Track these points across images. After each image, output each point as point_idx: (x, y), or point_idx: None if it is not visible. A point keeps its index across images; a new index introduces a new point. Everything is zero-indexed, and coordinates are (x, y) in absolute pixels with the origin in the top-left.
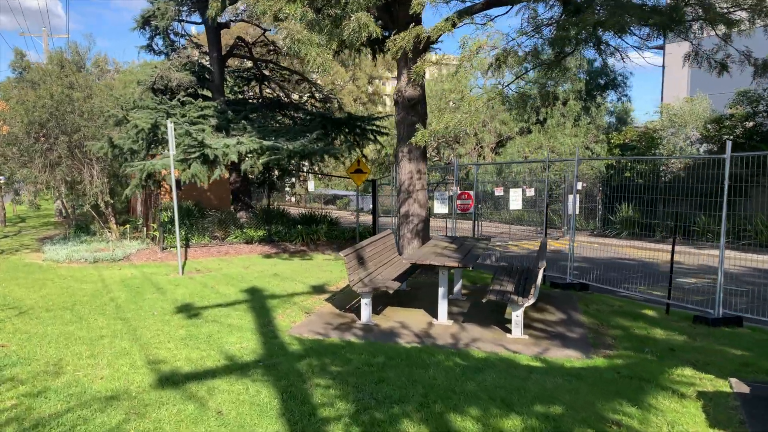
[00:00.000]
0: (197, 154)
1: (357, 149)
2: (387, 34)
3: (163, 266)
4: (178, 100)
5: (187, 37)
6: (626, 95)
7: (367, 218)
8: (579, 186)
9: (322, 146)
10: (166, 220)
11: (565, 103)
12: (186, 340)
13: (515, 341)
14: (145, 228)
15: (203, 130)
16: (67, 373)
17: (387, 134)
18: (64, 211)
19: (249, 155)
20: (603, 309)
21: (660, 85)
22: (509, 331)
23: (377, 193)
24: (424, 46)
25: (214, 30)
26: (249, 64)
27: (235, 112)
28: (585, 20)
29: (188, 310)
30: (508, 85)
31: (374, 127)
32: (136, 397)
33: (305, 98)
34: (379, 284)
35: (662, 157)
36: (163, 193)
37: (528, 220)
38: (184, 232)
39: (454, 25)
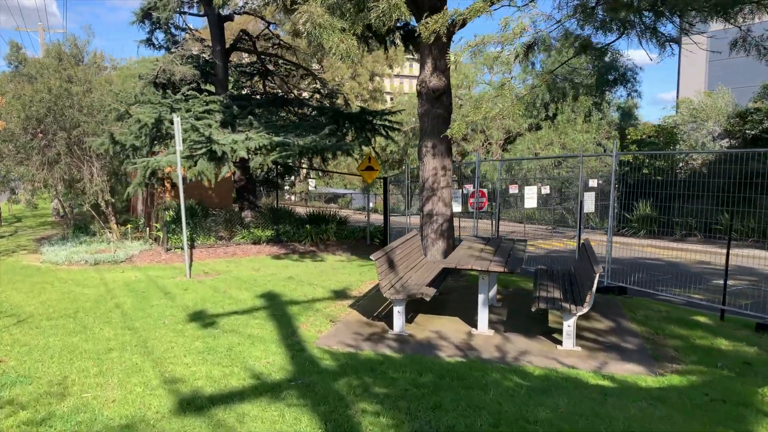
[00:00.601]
0: (204, 150)
1: (370, 145)
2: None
3: (169, 268)
4: (182, 94)
5: (189, 31)
6: (636, 90)
7: (374, 217)
8: (594, 183)
9: (334, 142)
10: (169, 219)
11: (575, 99)
12: (204, 353)
13: (568, 354)
14: (147, 228)
15: (210, 126)
16: (74, 395)
17: (399, 130)
18: (61, 210)
19: (258, 152)
20: (651, 315)
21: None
22: (558, 342)
23: (388, 192)
24: (458, 28)
25: (218, 23)
26: (248, 59)
27: (241, 108)
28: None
29: (202, 318)
30: (552, 72)
31: (386, 122)
32: (154, 425)
33: (310, 94)
34: (413, 291)
35: (713, 151)
36: (164, 191)
37: (540, 218)
38: (189, 233)
39: (491, 4)
